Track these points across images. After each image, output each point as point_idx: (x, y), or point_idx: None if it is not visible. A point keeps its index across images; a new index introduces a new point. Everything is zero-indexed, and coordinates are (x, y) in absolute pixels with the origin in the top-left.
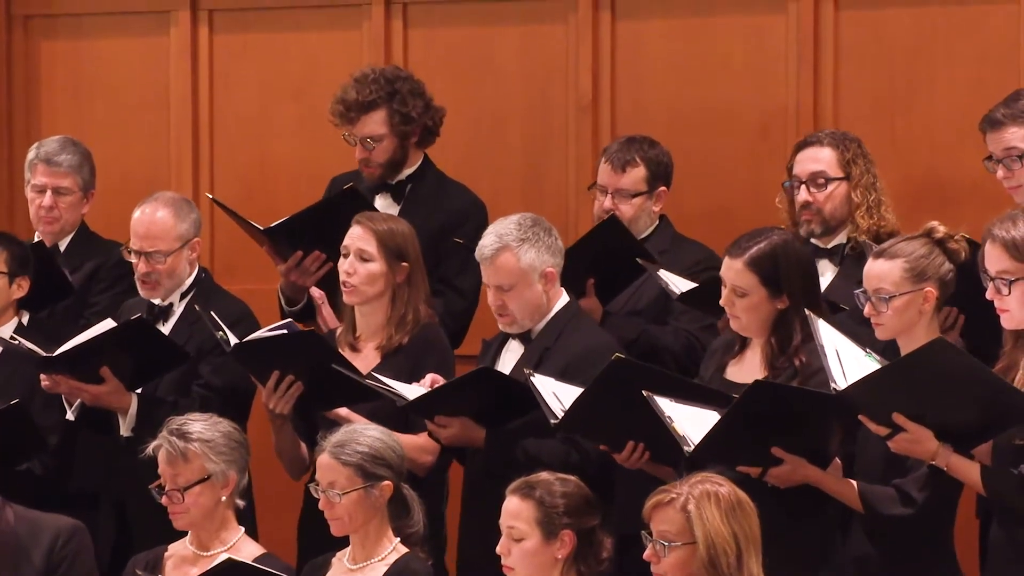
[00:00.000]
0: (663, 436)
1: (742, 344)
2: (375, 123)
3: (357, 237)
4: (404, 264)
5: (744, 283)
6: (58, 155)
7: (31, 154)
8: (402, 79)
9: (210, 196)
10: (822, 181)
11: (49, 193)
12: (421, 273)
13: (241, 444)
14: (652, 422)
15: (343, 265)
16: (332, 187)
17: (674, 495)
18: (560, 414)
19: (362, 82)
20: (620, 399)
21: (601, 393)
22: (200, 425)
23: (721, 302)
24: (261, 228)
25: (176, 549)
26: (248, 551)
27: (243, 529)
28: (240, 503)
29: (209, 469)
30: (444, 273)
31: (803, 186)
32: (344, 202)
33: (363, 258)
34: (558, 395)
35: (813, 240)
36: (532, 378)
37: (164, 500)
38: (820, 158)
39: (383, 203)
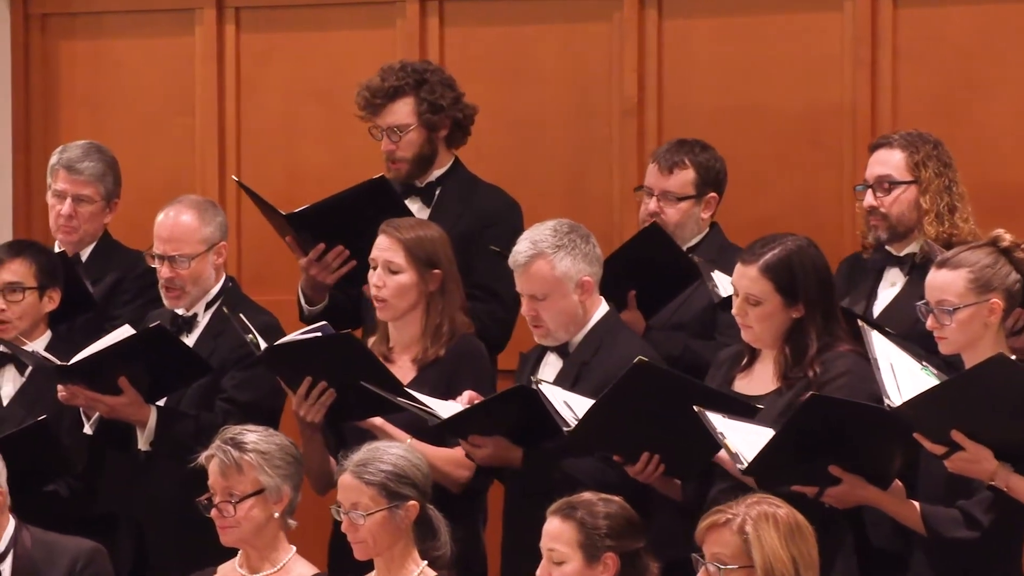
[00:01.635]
0: (680, 448)
1: (751, 356)
2: (402, 112)
3: (384, 248)
4: (436, 271)
5: (759, 291)
6: (80, 162)
7: (53, 159)
8: (431, 70)
9: (235, 179)
10: (887, 185)
11: (69, 201)
12: (455, 279)
13: (296, 460)
14: (671, 432)
15: (372, 278)
16: None
17: (730, 516)
18: (573, 423)
19: (389, 71)
20: (640, 406)
21: (621, 399)
22: (256, 436)
23: (733, 311)
24: (284, 214)
25: (225, 571)
26: (300, 572)
27: (294, 549)
28: (292, 522)
29: (263, 482)
30: (482, 278)
31: (870, 190)
32: (372, 193)
33: (391, 270)
34: (570, 404)
35: (887, 247)
36: (540, 386)
37: (213, 513)
38: (888, 161)
39: (412, 208)
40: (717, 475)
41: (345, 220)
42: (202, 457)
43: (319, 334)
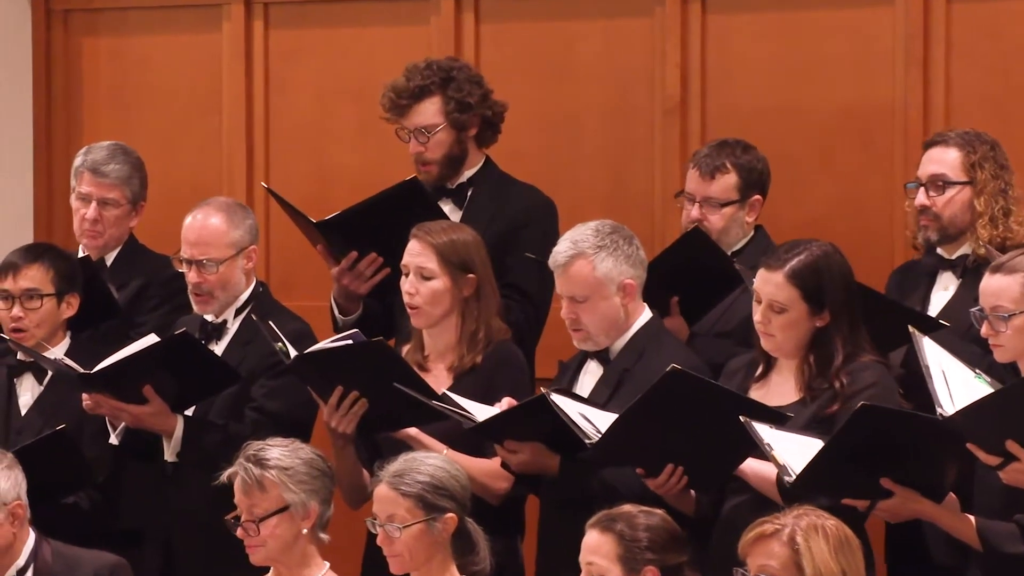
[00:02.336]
0: (706, 459)
1: (767, 365)
2: (429, 112)
3: (415, 254)
4: (470, 276)
5: (784, 298)
6: (106, 164)
7: (77, 161)
8: (458, 67)
9: (264, 185)
10: (941, 184)
11: (94, 205)
12: (490, 283)
13: (324, 473)
14: (700, 442)
15: (404, 285)
16: None
17: (778, 526)
18: (594, 435)
19: (414, 70)
20: (670, 415)
21: (652, 407)
22: (279, 451)
23: (755, 319)
24: (314, 221)
25: None
26: None
27: (327, 565)
28: (325, 537)
29: (288, 499)
30: (515, 279)
31: (923, 188)
32: (405, 196)
33: (424, 276)
34: (587, 416)
35: (938, 250)
36: (552, 397)
37: (239, 532)
38: (943, 159)
39: (444, 209)
40: (730, 489)
41: (378, 225)
42: (226, 474)
43: (350, 342)
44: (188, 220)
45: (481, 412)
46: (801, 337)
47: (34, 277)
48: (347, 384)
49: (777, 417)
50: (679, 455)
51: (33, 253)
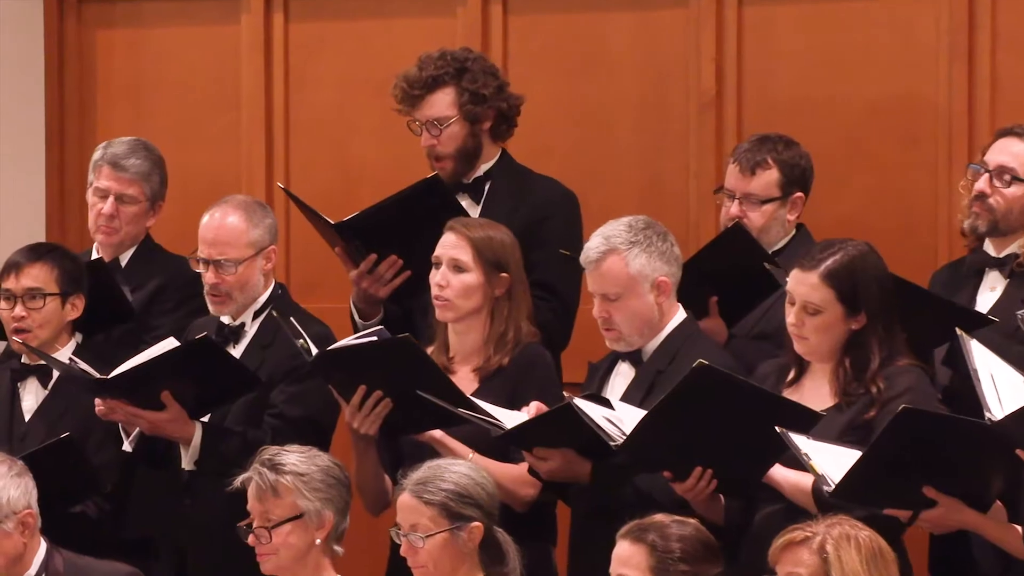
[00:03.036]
0: (737, 461)
1: (799, 370)
2: (442, 103)
3: (450, 245)
4: (504, 275)
5: (818, 299)
6: (126, 158)
7: (97, 154)
8: (472, 58)
9: (281, 186)
10: (1009, 178)
11: (111, 200)
12: (523, 286)
13: (340, 482)
14: (731, 443)
15: (435, 277)
16: None
17: (808, 534)
18: (619, 437)
19: (427, 60)
20: (699, 414)
21: (680, 405)
22: (296, 457)
23: (788, 320)
24: (332, 222)
25: None
26: None
27: None
28: (339, 550)
29: (302, 506)
30: (542, 276)
31: (988, 175)
32: (425, 194)
33: (457, 268)
34: (612, 420)
35: (986, 244)
36: (575, 403)
37: (251, 540)
38: (1014, 152)
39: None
40: (762, 498)
41: (398, 226)
42: (239, 480)
43: (375, 338)
44: (205, 219)
45: (509, 418)
46: (836, 340)
47: (37, 276)
48: (371, 383)
49: (808, 416)
50: (708, 457)
51: (37, 252)
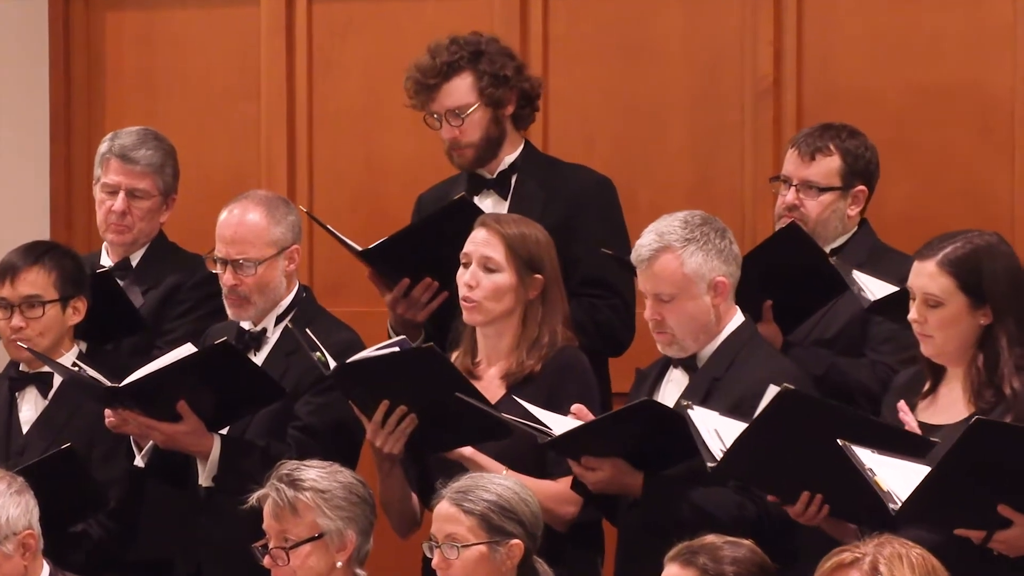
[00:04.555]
0: (847, 487)
1: (934, 380)
2: (461, 90)
3: (481, 243)
4: (537, 276)
5: (938, 288)
6: (136, 150)
7: (103, 147)
8: (486, 40)
9: (302, 208)
10: None
11: (122, 195)
12: (559, 288)
13: (364, 501)
14: (833, 469)
15: (463, 277)
16: (420, 207)
17: (859, 555)
18: (719, 454)
19: (438, 47)
20: (791, 440)
21: (766, 432)
22: (316, 472)
23: (909, 317)
24: (359, 249)
25: None
26: None
27: None
28: (362, 573)
29: (322, 526)
30: (592, 272)
31: None
32: (455, 215)
33: (488, 268)
34: (720, 433)
35: None
36: (690, 411)
37: (267, 561)
38: None
39: (487, 204)
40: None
41: (429, 248)
42: (255, 497)
43: (397, 349)
44: (223, 215)
45: (555, 422)
46: (964, 336)
47: (34, 282)
48: (394, 398)
49: (920, 444)
50: (815, 482)
51: (32, 253)
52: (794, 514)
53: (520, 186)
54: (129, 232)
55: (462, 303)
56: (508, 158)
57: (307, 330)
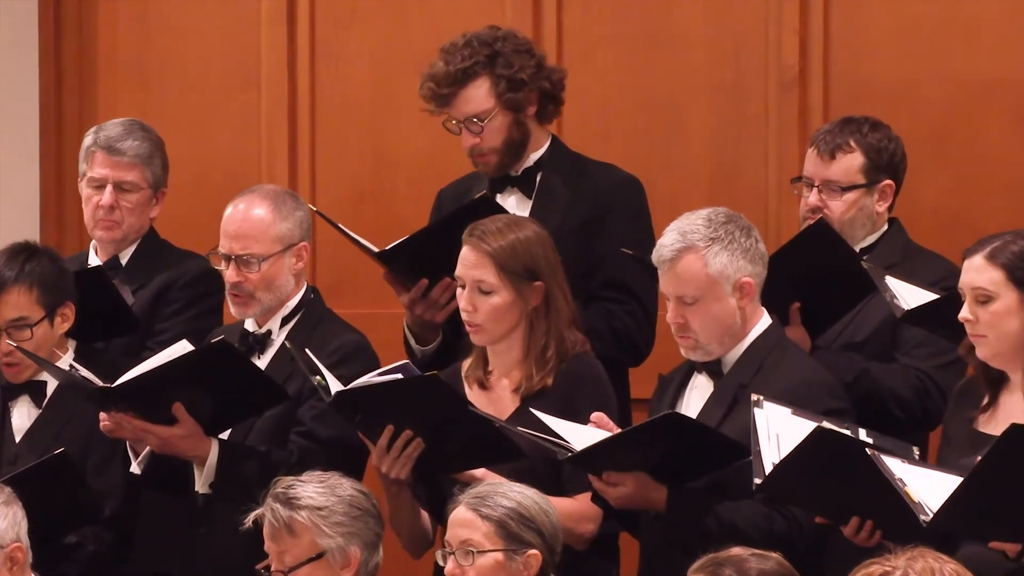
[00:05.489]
0: (895, 508)
1: (993, 391)
2: (478, 97)
3: (470, 264)
4: (536, 284)
5: (987, 281)
6: (122, 141)
7: (88, 140)
8: (502, 37)
9: (313, 208)
10: None
11: (109, 189)
12: (561, 287)
13: (368, 512)
14: (878, 493)
15: (460, 300)
16: (440, 203)
17: (889, 568)
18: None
19: (452, 50)
20: (829, 471)
21: (801, 466)
22: (312, 488)
23: (960, 317)
24: (376, 250)
25: None
26: None
27: None
28: None
29: (322, 545)
30: (612, 275)
31: None
32: (476, 214)
33: (482, 290)
34: (781, 439)
35: None
36: (757, 409)
37: None
38: None
39: (511, 202)
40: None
41: (448, 248)
42: (251, 517)
43: (399, 376)
44: (228, 210)
45: (576, 432)
46: (1019, 334)
47: (17, 303)
48: (398, 423)
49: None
50: (862, 507)
51: (9, 269)
52: (848, 535)
53: (545, 184)
54: (118, 228)
55: (466, 326)
56: (534, 155)
57: (307, 352)
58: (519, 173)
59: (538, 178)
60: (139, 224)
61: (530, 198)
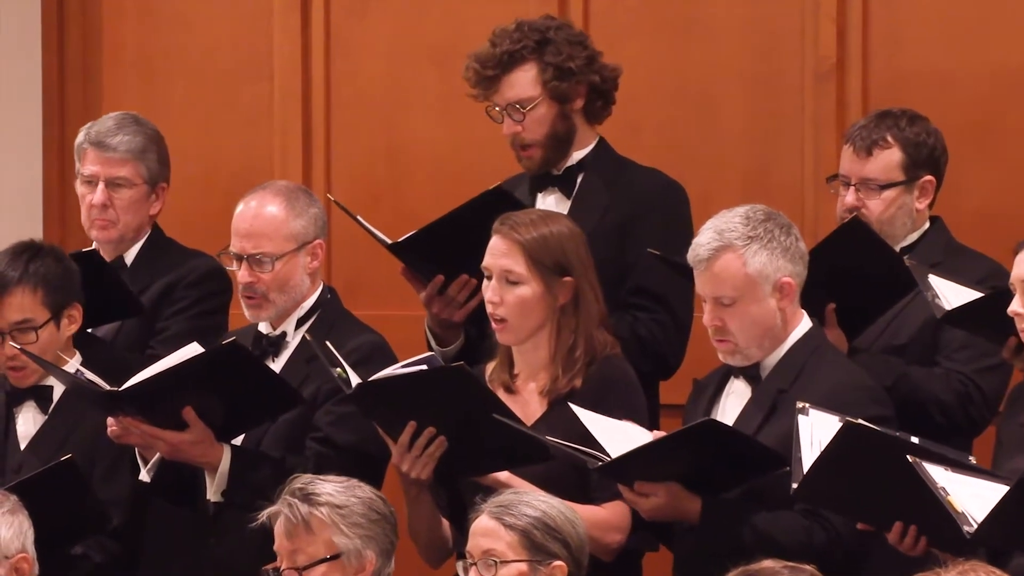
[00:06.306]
0: (939, 515)
1: None
2: (523, 82)
3: (499, 253)
4: (566, 279)
5: None
6: (112, 136)
7: (80, 137)
8: (555, 27)
9: (330, 197)
10: None
11: (101, 187)
12: (592, 286)
13: (385, 519)
14: (921, 498)
15: (486, 292)
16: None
17: None
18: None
19: (502, 34)
20: (865, 471)
21: (839, 463)
22: (332, 487)
23: (1010, 310)
24: (389, 242)
25: None
26: None
27: None
28: None
29: (339, 545)
30: (644, 281)
31: None
32: (491, 206)
33: (510, 281)
34: (824, 444)
35: None
36: (802, 416)
37: None
38: None
39: (549, 201)
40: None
41: (464, 242)
42: (265, 514)
43: (424, 367)
44: (240, 208)
45: (610, 430)
46: None
47: (21, 305)
48: (421, 419)
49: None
50: (905, 511)
51: (13, 269)
52: (892, 542)
53: (585, 185)
54: (113, 227)
55: (492, 322)
56: (578, 154)
57: (328, 344)
58: (561, 172)
59: (579, 179)
60: (136, 222)
61: (569, 198)
